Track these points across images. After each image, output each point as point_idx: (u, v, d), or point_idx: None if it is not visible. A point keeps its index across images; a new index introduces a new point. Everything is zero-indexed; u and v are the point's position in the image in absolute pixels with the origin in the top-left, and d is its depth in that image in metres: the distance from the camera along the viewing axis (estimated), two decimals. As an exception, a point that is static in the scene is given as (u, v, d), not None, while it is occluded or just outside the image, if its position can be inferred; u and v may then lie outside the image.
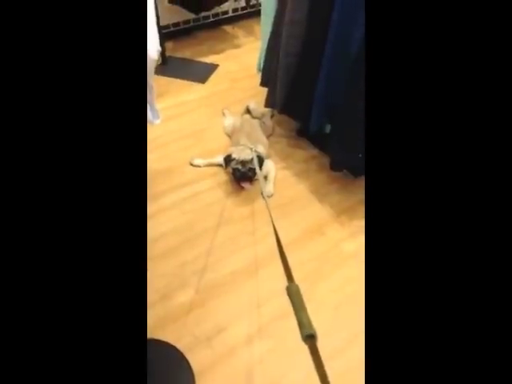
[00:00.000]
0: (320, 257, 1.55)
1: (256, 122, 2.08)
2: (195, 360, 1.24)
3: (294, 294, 0.67)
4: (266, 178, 1.84)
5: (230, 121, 2.15)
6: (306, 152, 2.04)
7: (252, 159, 1.68)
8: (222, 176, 1.88)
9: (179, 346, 1.27)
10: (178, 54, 2.82)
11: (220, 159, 1.88)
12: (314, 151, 2.04)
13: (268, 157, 1.94)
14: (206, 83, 2.56)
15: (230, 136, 2.10)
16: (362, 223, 1.67)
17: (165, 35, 2.70)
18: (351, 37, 1.48)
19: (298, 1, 1.60)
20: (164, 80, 2.50)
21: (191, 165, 1.93)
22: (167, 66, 2.65)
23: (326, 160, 1.92)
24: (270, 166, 1.88)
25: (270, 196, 1.78)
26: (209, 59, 2.79)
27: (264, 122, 2.10)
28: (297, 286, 0.69)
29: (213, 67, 2.71)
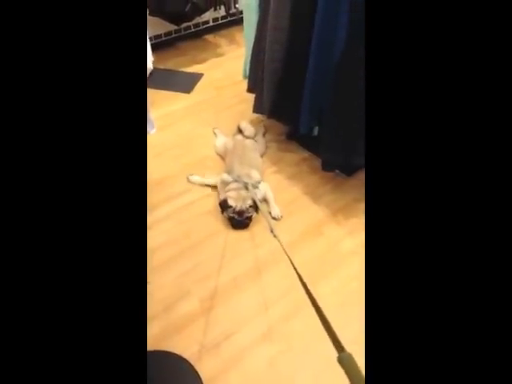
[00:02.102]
0: (320, 256, 1.56)
1: (248, 142, 2.02)
2: (204, 368, 1.22)
3: (348, 365, 0.57)
4: (265, 200, 1.80)
5: (221, 141, 2.08)
6: (296, 155, 2.06)
7: (249, 207, 1.65)
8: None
9: (186, 355, 1.25)
10: (162, 66, 2.82)
11: (214, 180, 1.85)
12: (305, 153, 2.06)
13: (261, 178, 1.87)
14: (191, 93, 2.57)
15: (221, 156, 2.04)
16: (359, 221, 1.69)
17: (147, 47, 2.70)
18: (335, 39, 1.51)
19: (280, 8, 1.62)
20: (149, 92, 2.48)
21: (188, 181, 1.90)
22: (151, 77, 2.64)
23: (317, 161, 1.94)
24: (265, 187, 1.81)
25: (279, 218, 1.72)
26: (193, 69, 2.80)
27: (256, 141, 2.06)
28: (350, 356, 0.58)
29: (197, 77, 2.72)
